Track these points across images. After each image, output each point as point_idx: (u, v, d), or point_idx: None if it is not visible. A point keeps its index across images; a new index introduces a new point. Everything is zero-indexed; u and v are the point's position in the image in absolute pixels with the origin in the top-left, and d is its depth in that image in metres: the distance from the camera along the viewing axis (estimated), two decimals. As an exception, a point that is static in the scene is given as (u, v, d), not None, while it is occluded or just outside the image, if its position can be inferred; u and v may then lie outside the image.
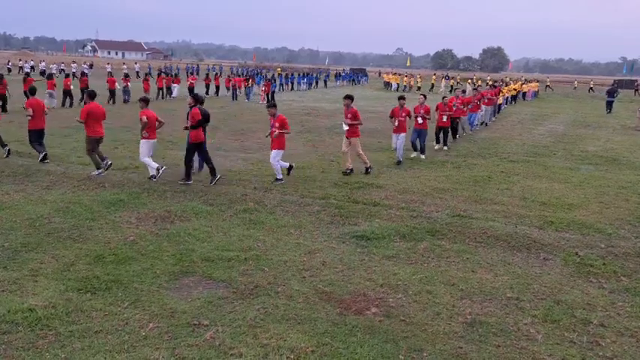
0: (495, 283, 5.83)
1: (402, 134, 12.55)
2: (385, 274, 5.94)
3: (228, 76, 36.93)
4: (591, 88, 57.00)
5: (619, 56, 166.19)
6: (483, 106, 20.35)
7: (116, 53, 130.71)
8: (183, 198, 8.68)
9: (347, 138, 11.01)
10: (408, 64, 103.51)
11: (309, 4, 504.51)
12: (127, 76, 26.82)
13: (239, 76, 39.84)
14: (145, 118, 9.76)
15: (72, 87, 22.81)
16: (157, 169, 9.90)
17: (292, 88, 42.69)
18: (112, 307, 4.91)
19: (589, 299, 5.51)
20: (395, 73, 56.07)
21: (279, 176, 10.12)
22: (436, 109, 14.89)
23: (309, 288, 5.49)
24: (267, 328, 4.63)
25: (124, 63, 50.15)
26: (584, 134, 20.29)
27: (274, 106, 10.31)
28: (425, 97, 13.57)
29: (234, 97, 30.12)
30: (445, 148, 14.96)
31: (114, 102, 23.74)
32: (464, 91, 18.56)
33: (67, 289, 5.24)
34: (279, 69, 65.47)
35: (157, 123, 10.10)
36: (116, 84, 24.57)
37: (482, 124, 20.77)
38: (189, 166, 9.92)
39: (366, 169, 11.22)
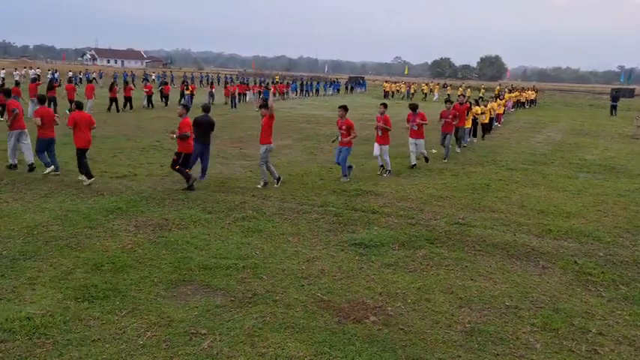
0: (494, 291, 5.82)
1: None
2: (384, 282, 5.93)
3: (227, 84, 37.06)
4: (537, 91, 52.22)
5: (617, 65, 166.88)
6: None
7: (115, 61, 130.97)
8: (181, 206, 8.68)
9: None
10: (406, 72, 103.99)
11: (308, 13, 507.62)
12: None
13: (243, 83, 39.98)
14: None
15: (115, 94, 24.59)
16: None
17: (317, 94, 47.57)
18: (109, 315, 4.90)
19: (588, 308, 5.51)
20: (387, 81, 57.01)
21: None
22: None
23: (308, 296, 5.48)
24: (265, 337, 4.61)
25: (69, 71, 51.45)
26: (582, 142, 20.35)
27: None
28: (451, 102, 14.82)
29: (234, 105, 30.21)
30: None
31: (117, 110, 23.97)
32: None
33: (64, 297, 5.22)
34: (277, 77, 66.18)
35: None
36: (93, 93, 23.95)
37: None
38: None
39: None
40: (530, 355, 4.55)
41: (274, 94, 9.61)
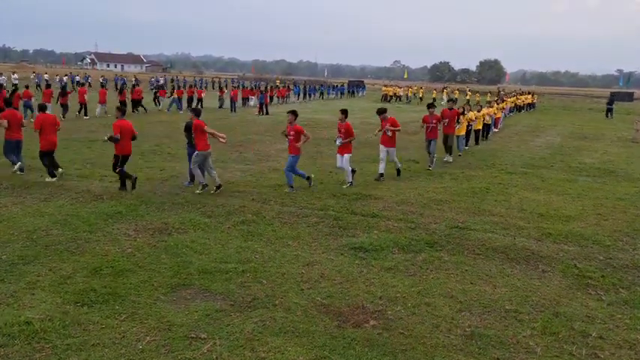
0: (494, 295, 5.82)
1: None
2: (384, 286, 5.92)
3: (234, 87, 37.37)
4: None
5: (615, 68, 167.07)
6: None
7: (115, 66, 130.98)
8: (181, 210, 8.67)
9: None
10: (405, 76, 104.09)
11: (307, 17, 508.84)
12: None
13: (244, 87, 40.21)
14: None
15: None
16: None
17: (321, 97, 49.22)
18: (109, 320, 4.89)
19: (588, 311, 5.50)
20: (386, 85, 57.41)
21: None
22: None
23: (308, 300, 5.47)
24: (264, 342, 4.60)
25: (46, 72, 52.34)
26: (581, 146, 20.37)
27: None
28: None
29: (233, 108, 30.27)
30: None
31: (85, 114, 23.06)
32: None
33: (64, 301, 5.22)
34: (277, 80, 66.59)
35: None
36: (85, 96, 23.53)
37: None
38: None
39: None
40: (530, 359, 4.54)
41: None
